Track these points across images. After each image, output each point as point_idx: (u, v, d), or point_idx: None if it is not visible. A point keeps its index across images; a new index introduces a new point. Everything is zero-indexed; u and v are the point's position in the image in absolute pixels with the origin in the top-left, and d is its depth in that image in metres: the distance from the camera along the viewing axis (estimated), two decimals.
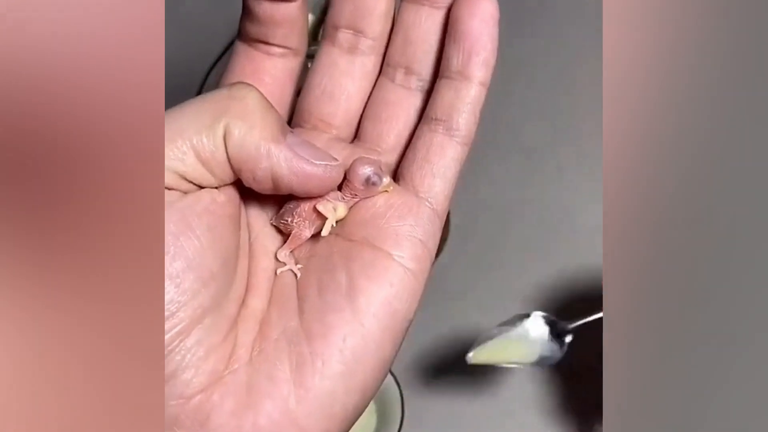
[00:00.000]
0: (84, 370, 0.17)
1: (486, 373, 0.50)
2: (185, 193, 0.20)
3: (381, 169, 0.22)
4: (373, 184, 0.22)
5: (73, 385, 0.17)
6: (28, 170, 0.17)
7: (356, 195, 0.22)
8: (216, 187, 0.21)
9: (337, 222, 0.22)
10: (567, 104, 0.58)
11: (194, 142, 0.19)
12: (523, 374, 0.50)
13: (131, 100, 0.17)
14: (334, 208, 0.22)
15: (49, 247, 0.17)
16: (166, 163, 0.19)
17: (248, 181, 0.21)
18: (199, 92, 0.54)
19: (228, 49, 0.55)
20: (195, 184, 0.20)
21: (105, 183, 0.17)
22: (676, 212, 0.18)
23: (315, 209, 0.22)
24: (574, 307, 0.50)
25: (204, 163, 0.20)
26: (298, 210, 0.22)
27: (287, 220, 0.22)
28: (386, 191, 0.22)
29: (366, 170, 0.22)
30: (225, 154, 0.20)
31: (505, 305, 0.49)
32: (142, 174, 0.18)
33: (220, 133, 0.20)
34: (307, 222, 0.22)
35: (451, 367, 0.51)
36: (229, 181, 0.21)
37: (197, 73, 0.54)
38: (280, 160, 0.20)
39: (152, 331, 0.18)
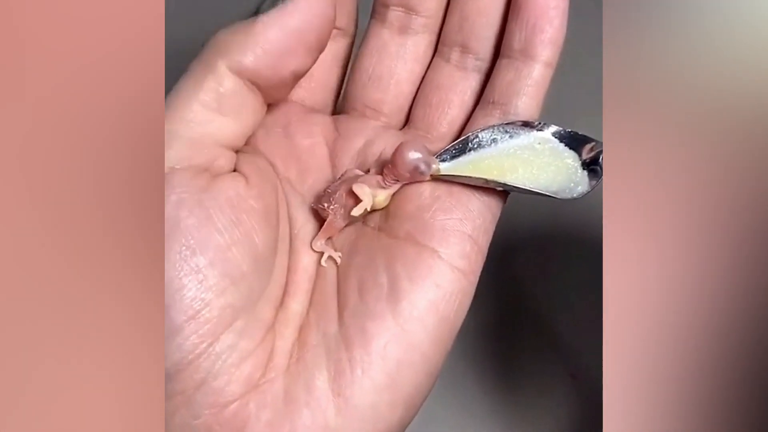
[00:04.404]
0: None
1: (488, 370, 0.47)
2: (214, 177, 0.18)
3: (429, 154, 0.20)
4: (422, 172, 0.20)
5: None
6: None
7: (398, 180, 0.20)
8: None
9: (378, 210, 0.20)
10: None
11: (201, 98, 0.18)
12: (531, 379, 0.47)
13: (131, 99, 0.16)
14: (373, 195, 0.20)
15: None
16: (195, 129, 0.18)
17: (276, 79, 0.19)
18: None
19: None
20: (230, 149, 0.19)
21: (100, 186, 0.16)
22: None
23: (350, 192, 0.20)
24: None
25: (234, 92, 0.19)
26: (336, 196, 0.20)
27: (324, 205, 0.20)
28: (431, 177, 0.20)
29: (414, 156, 0.20)
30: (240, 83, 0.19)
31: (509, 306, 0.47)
32: (142, 179, 0.16)
33: (222, 71, 0.18)
34: (342, 209, 0.20)
35: (451, 365, 0.48)
36: (270, 95, 0.20)
37: None
38: (268, 33, 0.18)
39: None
